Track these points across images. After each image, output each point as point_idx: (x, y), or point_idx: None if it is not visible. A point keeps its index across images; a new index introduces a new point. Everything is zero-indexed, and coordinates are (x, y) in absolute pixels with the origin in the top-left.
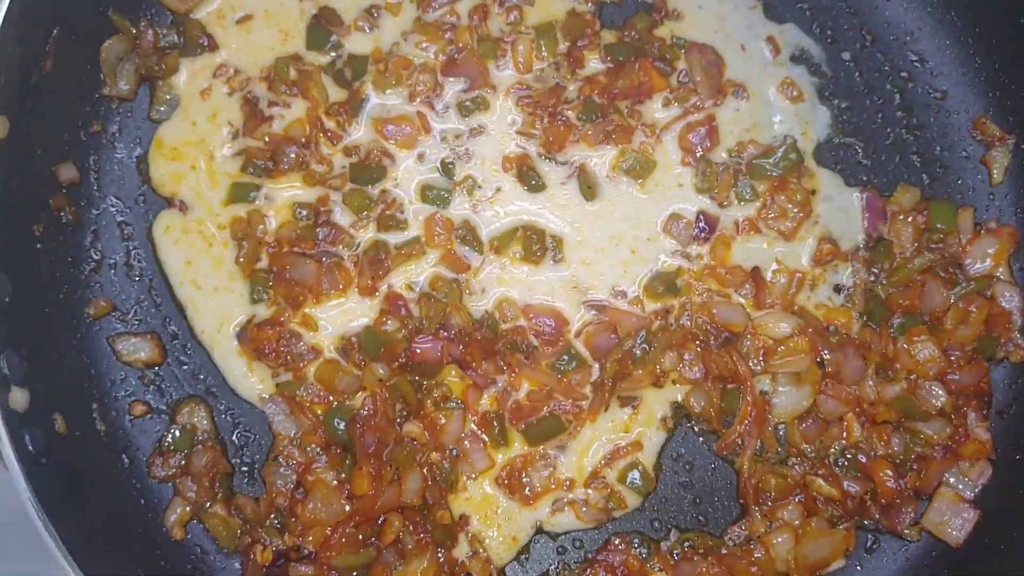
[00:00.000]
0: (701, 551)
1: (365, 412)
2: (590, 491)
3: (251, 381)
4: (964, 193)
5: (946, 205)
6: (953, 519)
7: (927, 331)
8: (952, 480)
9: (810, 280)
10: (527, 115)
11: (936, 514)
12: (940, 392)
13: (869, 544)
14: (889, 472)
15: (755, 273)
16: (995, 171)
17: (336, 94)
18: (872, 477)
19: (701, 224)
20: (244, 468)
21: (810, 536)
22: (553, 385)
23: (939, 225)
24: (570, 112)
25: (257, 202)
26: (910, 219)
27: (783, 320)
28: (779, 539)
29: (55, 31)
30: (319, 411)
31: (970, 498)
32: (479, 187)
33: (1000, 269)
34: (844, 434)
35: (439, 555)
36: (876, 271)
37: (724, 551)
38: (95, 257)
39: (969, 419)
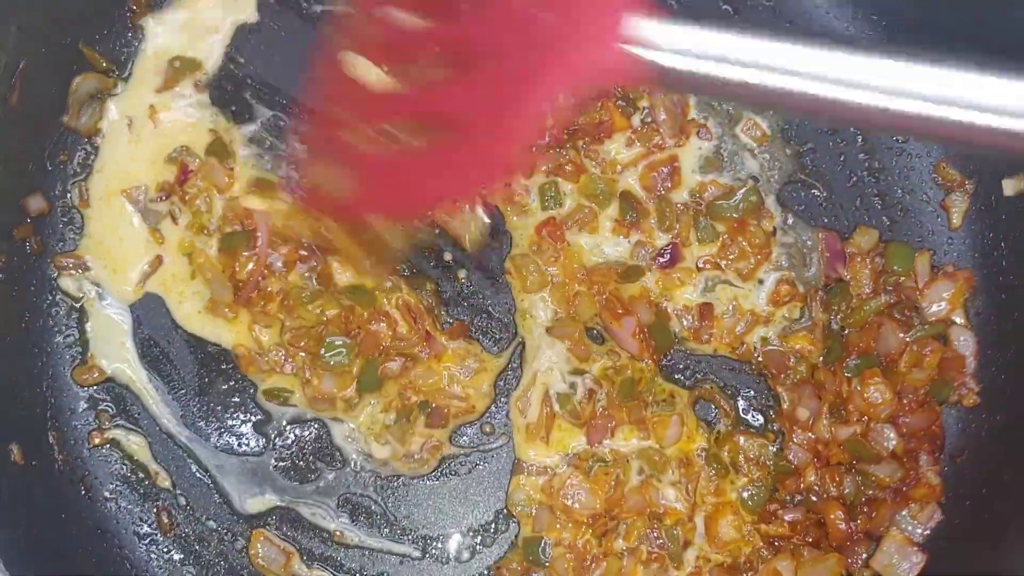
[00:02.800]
0: None
1: None
2: None
3: None
4: (923, 236)
5: (904, 248)
6: (901, 563)
7: (880, 373)
8: (902, 523)
9: (764, 318)
10: None
11: (885, 556)
12: (891, 435)
13: None
14: (841, 514)
15: (704, 308)
16: (954, 215)
17: None
18: (824, 518)
19: (668, 253)
20: None
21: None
22: None
23: (896, 267)
24: None
25: None
26: (868, 261)
27: None
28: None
29: (22, 64)
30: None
31: (919, 540)
32: None
33: (956, 313)
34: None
35: None
36: (834, 312)
37: None
38: (60, 287)
39: (921, 462)
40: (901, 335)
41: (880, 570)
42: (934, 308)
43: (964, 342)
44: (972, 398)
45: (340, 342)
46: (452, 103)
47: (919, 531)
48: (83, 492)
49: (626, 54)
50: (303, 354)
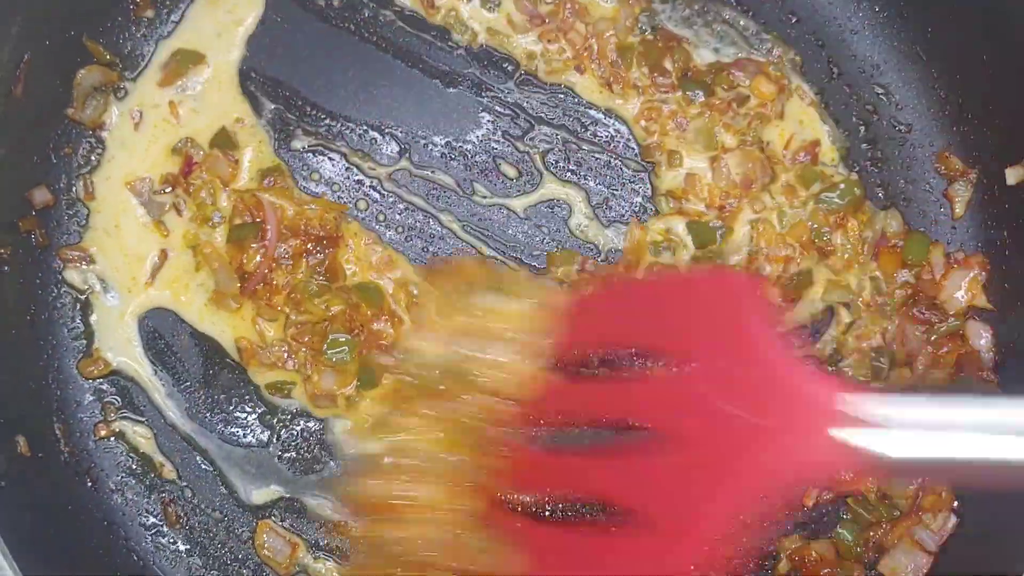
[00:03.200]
0: None
1: None
2: None
3: None
4: (927, 226)
5: (920, 238)
6: (908, 564)
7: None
8: (916, 532)
9: None
10: None
11: (891, 559)
12: None
13: None
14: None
15: None
16: (957, 205)
17: None
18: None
19: None
20: None
21: None
22: None
23: (910, 259)
24: None
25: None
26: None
27: None
28: None
29: (26, 56)
30: None
31: (933, 550)
32: None
33: (978, 298)
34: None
35: None
36: None
37: None
38: (64, 279)
39: None
40: (920, 333)
41: (887, 572)
42: (956, 297)
43: (981, 338)
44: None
45: (344, 339)
46: (634, 486)
47: (933, 540)
48: (89, 484)
49: (841, 443)
50: (305, 350)
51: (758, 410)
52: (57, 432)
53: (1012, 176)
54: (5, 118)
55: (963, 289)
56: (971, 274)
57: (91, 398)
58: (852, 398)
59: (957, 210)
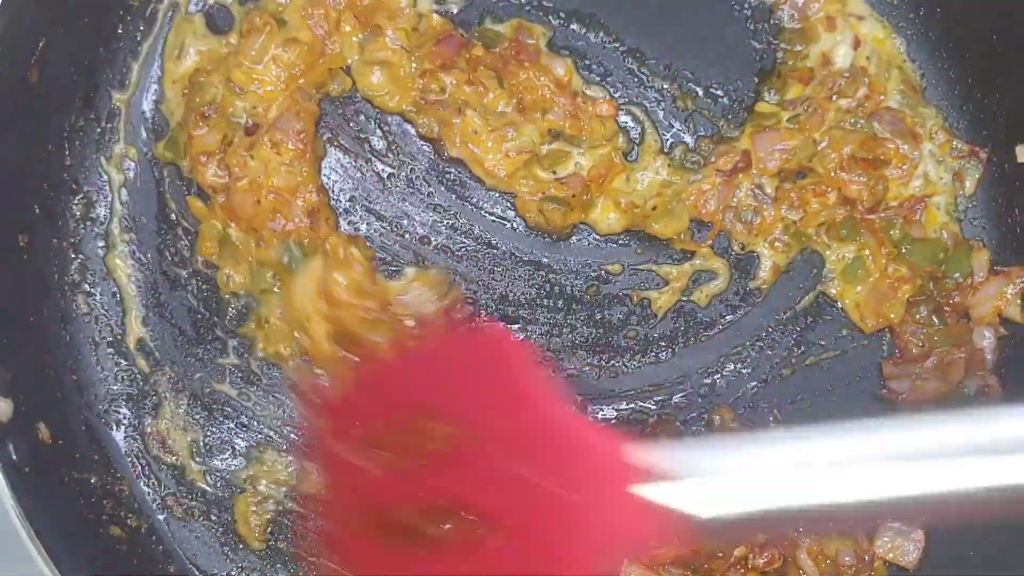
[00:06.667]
0: None
1: None
2: None
3: None
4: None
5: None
6: (904, 544)
7: None
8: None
9: None
10: None
11: (886, 541)
12: None
13: None
14: None
15: None
16: (967, 183)
17: None
18: None
19: None
20: None
21: None
22: None
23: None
24: None
25: None
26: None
27: None
28: None
29: (41, 43)
30: None
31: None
32: None
33: (1011, 308)
34: None
35: None
36: None
37: None
38: (81, 265)
39: None
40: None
41: (885, 556)
42: (986, 305)
43: (985, 339)
44: (996, 391)
45: None
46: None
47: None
48: (112, 471)
49: (645, 503)
50: None
51: (556, 476)
52: (79, 419)
53: (1023, 154)
54: (21, 105)
55: (998, 299)
56: (1009, 284)
57: (112, 385)
58: (641, 449)
59: (968, 188)
